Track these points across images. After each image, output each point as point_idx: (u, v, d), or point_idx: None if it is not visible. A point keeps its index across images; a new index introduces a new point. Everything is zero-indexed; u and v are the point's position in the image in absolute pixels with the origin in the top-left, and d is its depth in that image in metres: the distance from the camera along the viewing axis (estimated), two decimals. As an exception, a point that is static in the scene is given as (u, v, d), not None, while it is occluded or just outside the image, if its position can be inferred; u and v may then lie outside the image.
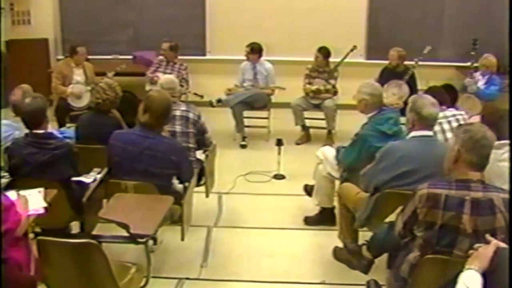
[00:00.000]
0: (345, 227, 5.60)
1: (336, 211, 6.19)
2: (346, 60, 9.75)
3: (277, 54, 10.56)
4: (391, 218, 4.64)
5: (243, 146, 9.48)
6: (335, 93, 9.56)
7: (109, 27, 11.67)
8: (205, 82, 10.58)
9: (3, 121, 6.20)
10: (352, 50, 9.78)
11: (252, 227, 6.58)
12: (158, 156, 5.19)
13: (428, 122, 4.87)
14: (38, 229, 5.00)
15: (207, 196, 6.44)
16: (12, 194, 4.38)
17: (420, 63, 9.38)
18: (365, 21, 11.28)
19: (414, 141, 4.90)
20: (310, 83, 9.57)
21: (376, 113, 5.79)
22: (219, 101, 9.44)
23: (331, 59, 9.66)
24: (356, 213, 5.27)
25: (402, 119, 5.63)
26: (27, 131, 5.24)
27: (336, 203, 6.16)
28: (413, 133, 4.93)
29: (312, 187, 6.65)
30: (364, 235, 5.42)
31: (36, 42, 11.60)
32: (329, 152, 6.32)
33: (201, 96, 9.70)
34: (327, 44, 9.64)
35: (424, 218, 3.81)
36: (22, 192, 4.50)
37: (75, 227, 5.64)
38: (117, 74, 9.34)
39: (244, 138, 9.57)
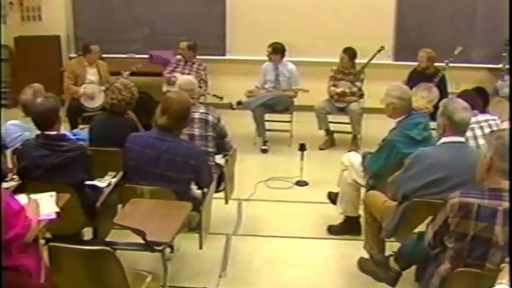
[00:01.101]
0: (371, 237, 5.57)
1: (362, 220, 6.19)
2: (373, 61, 9.70)
3: (301, 55, 10.52)
4: (420, 228, 4.63)
5: (264, 151, 9.48)
6: (361, 96, 9.54)
7: (125, 25, 11.74)
8: (224, 84, 10.59)
9: (13, 121, 6.26)
10: (379, 51, 9.73)
11: (273, 236, 6.58)
12: (176, 160, 5.20)
13: (460, 127, 4.84)
14: (48, 235, 5.04)
15: (226, 202, 6.44)
16: (22, 198, 4.40)
17: (451, 64, 9.32)
18: (393, 21, 11.26)
19: (445, 148, 4.87)
20: (335, 85, 9.55)
21: (405, 118, 5.76)
22: (239, 103, 9.47)
23: (357, 60, 9.64)
24: (383, 223, 5.24)
25: (432, 124, 5.62)
26: (38, 132, 5.26)
27: (361, 212, 6.14)
28: (444, 139, 4.90)
29: (336, 194, 6.62)
30: (391, 246, 5.40)
31: (47, 39, 11.68)
32: (355, 158, 6.31)
33: (221, 98, 9.70)
34: (353, 44, 9.63)
35: (455, 229, 3.81)
36: (33, 196, 4.52)
37: (87, 233, 5.67)
38: (132, 74, 9.42)
39: (265, 143, 9.57)
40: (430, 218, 4.21)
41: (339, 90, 9.46)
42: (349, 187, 6.32)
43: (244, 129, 9.70)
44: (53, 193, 4.71)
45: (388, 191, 5.31)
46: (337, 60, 9.64)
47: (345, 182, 6.37)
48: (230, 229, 6.65)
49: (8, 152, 5.96)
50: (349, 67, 9.58)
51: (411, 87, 7.08)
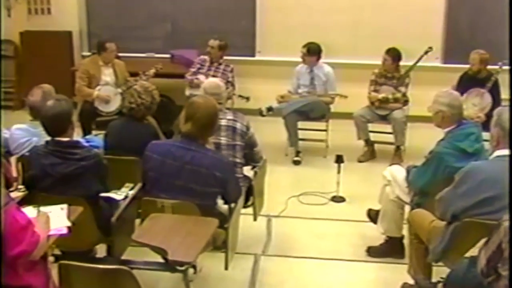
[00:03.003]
0: (417, 261, 5.56)
1: (406, 242, 6.16)
2: (419, 64, 9.66)
3: (338, 56, 10.54)
4: (472, 252, 4.60)
5: (296, 163, 9.48)
6: (406, 102, 9.51)
7: (144, 21, 11.83)
8: (254, 87, 10.59)
9: (19, 126, 6.31)
10: (426, 52, 9.70)
11: (305, 257, 6.57)
12: (201, 172, 5.19)
13: (515, 139, 4.82)
14: (58, 252, 5.08)
15: (255, 219, 6.44)
16: (30, 211, 4.44)
17: (504, 67, 9.19)
18: (442, 18, 11.22)
19: (499, 162, 4.81)
20: (376, 91, 9.54)
21: (455, 128, 5.75)
22: (269, 109, 9.44)
23: (401, 63, 9.61)
24: (429, 245, 5.22)
25: (484, 135, 5.59)
26: (47, 138, 5.26)
27: (405, 232, 6.13)
28: (497, 152, 4.86)
29: (377, 212, 6.61)
30: (439, 271, 5.37)
31: (57, 35, 11.81)
32: (399, 172, 6.29)
33: (247, 99, 9.68)
34: (397, 44, 9.59)
35: (510, 255, 3.78)
36: (42, 209, 4.56)
37: (100, 250, 5.71)
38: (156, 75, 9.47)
39: (298, 153, 9.57)
40: (483, 241, 4.19)
41: (381, 96, 9.42)
42: (391, 204, 6.30)
43: (275, 138, 9.73)
44: (65, 206, 4.75)
45: (435, 209, 5.27)
46: (379, 62, 9.61)
47: (387, 198, 6.35)
48: (258, 248, 6.65)
49: (13, 159, 6.01)
50: (392, 70, 9.55)
51: (461, 93, 7.05)
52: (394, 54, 9.47)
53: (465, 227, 4.80)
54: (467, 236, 4.74)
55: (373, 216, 6.76)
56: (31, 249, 3.99)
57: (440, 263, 5.29)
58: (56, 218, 4.53)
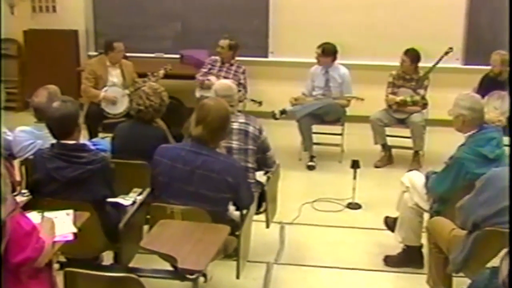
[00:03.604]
0: (436, 271, 5.54)
1: (425, 251, 6.14)
2: (439, 65, 9.63)
3: (355, 57, 10.54)
4: (493, 262, 4.59)
5: (310, 168, 9.46)
6: (425, 105, 9.48)
7: (153, 20, 11.83)
8: (266, 89, 10.63)
9: (22, 128, 6.31)
10: (446, 53, 9.68)
11: (320, 266, 6.55)
12: (212, 177, 5.18)
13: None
14: (62, 259, 5.08)
15: (267, 226, 6.42)
16: (35, 217, 4.44)
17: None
18: (463, 18, 11.19)
19: (520, 168, 4.82)
20: (394, 93, 9.49)
21: (476, 132, 5.74)
22: (283, 112, 9.46)
23: (420, 64, 9.56)
24: (449, 254, 5.21)
25: (506, 140, 5.57)
26: (52, 140, 5.28)
27: (424, 241, 6.10)
28: (519, 158, 4.86)
29: (395, 220, 6.59)
30: (459, 282, 5.36)
31: (63, 34, 11.83)
32: (417, 178, 6.28)
33: (259, 103, 9.65)
34: (416, 45, 9.56)
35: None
36: (47, 214, 4.56)
37: (107, 257, 5.72)
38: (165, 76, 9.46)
39: (312, 158, 9.55)
40: (505, 251, 4.18)
41: (398, 98, 9.38)
42: (410, 212, 6.28)
43: (288, 142, 9.73)
44: (70, 211, 4.76)
45: (456, 217, 5.26)
46: (397, 63, 9.58)
47: (405, 205, 6.32)
48: (271, 256, 6.63)
49: (16, 163, 6.02)
50: (411, 71, 9.52)
51: (482, 96, 7.04)
52: (412, 55, 9.42)
53: (486, 236, 4.80)
54: (488, 246, 4.74)
55: (390, 224, 6.74)
56: (36, 255, 3.98)
57: (460, 274, 5.27)
58: (61, 224, 4.53)
